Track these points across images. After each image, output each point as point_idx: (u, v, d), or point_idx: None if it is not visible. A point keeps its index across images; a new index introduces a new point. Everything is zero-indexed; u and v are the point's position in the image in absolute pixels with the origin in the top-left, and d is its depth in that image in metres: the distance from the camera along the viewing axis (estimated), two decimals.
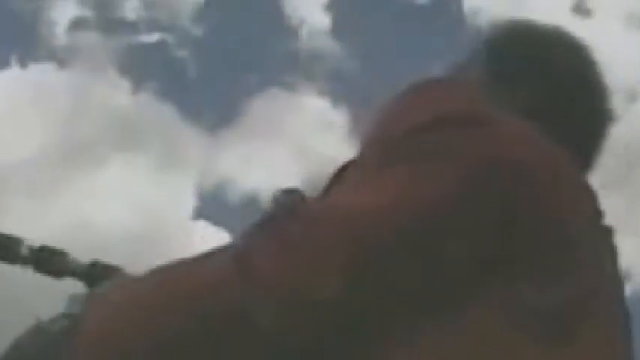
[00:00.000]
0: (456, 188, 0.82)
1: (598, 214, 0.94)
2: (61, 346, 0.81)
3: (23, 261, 1.20)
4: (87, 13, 12.02)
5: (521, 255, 0.83)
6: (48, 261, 1.20)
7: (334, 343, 0.79)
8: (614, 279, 0.94)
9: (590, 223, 0.91)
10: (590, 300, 0.85)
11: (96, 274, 1.16)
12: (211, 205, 11.01)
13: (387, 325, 0.80)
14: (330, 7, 11.70)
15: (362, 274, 0.79)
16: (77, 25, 11.30)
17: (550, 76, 1.06)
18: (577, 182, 0.92)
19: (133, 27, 11.41)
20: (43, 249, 1.20)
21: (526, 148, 0.87)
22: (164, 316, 0.80)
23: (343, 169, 0.96)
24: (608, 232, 0.95)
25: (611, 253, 0.95)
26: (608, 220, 0.94)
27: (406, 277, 0.80)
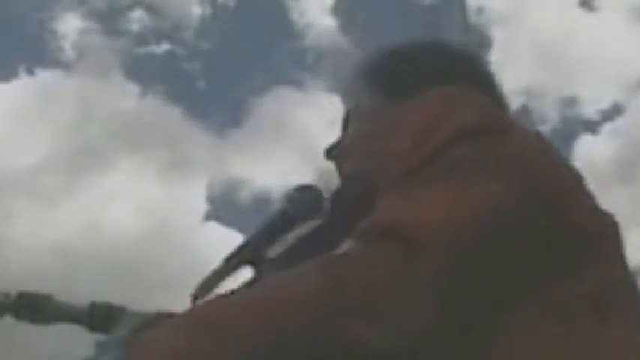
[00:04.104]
0: (504, 201, 0.87)
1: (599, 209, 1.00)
2: None
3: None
4: (93, 21, 11.95)
5: (562, 256, 0.88)
6: (31, 308, 1.07)
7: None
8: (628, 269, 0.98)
9: (601, 220, 0.97)
10: (616, 288, 0.92)
11: (98, 317, 1.04)
12: (222, 206, 11.02)
13: (478, 337, 0.83)
14: (336, 10, 11.69)
15: (451, 292, 0.82)
16: (84, 32, 11.18)
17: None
18: (581, 181, 0.98)
19: (139, 35, 11.31)
20: (22, 295, 1.07)
21: (543, 158, 0.95)
22: (256, 337, 0.79)
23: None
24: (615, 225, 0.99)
25: (620, 244, 0.99)
26: (618, 211, 1.00)
27: (482, 284, 0.84)
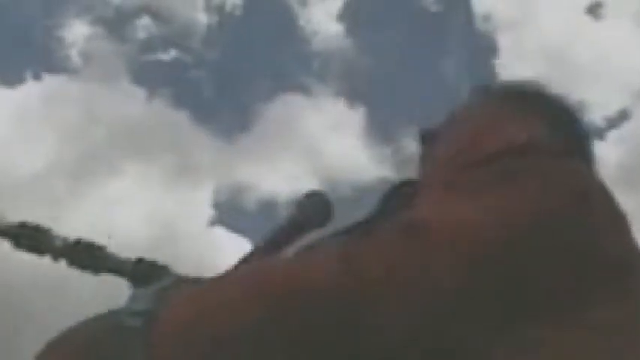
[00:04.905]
0: (546, 207, 0.90)
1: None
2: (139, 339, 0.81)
3: (56, 254, 1.14)
4: (99, 28, 11.81)
5: (581, 274, 0.90)
6: (84, 255, 1.14)
7: (452, 346, 0.83)
8: None
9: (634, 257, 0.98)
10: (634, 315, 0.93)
11: (142, 272, 1.11)
12: (228, 212, 10.83)
13: (501, 328, 0.84)
14: (342, 16, 11.56)
15: (474, 280, 0.84)
16: (90, 38, 11.11)
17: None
18: (617, 209, 1.00)
19: (145, 42, 11.21)
20: (79, 242, 1.14)
21: (589, 181, 1.00)
22: (269, 308, 0.82)
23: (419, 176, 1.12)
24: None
25: None
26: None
27: (513, 283, 0.86)
